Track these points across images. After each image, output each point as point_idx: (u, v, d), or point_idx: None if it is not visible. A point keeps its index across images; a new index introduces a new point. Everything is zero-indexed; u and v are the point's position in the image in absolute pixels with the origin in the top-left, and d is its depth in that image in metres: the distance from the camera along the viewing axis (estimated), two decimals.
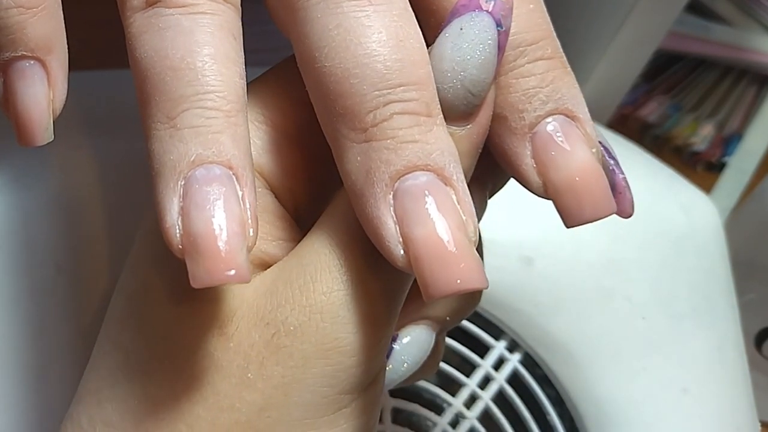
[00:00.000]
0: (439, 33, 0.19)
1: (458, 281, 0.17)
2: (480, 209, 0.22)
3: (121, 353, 0.20)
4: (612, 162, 0.20)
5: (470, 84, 0.19)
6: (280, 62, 0.22)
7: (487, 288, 0.17)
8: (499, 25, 0.19)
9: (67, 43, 0.20)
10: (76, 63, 0.20)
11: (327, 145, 0.20)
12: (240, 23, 0.19)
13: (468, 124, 0.19)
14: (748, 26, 0.64)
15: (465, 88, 0.19)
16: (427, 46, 0.19)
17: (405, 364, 0.24)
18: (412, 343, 0.24)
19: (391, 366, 0.23)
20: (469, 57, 0.19)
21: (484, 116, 0.19)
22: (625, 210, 0.21)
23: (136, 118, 0.19)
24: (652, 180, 0.39)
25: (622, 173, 0.21)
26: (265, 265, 0.20)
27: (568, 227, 0.20)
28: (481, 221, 0.21)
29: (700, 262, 0.37)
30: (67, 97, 0.20)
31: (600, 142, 0.20)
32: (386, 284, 0.19)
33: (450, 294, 0.17)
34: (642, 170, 0.39)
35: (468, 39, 0.19)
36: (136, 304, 0.20)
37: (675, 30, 0.60)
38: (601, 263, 0.34)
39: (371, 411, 0.20)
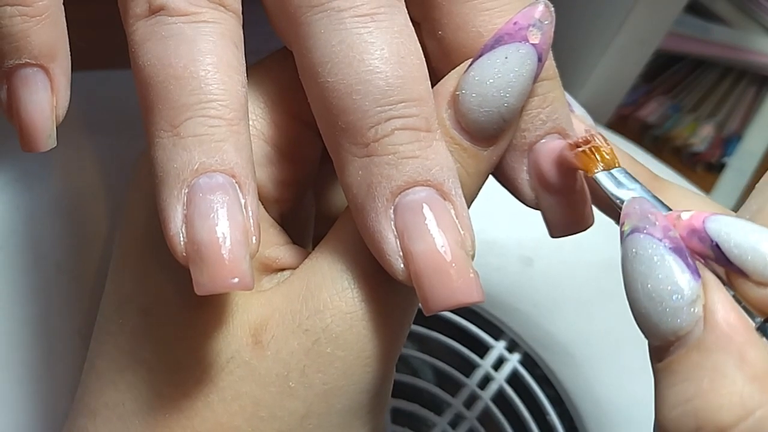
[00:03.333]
0: (480, 57, 0.19)
1: (456, 296, 0.17)
2: None
3: (142, 367, 0.19)
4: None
5: (506, 111, 0.19)
6: (265, 75, 0.21)
7: (483, 302, 0.18)
8: (539, 58, 0.19)
9: (69, 45, 0.20)
10: (78, 63, 0.20)
11: (312, 157, 0.20)
12: (241, 31, 0.19)
13: (491, 146, 0.20)
14: (748, 27, 0.64)
15: (500, 115, 0.19)
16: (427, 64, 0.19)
17: None
18: None
19: None
20: (509, 88, 0.19)
21: (506, 140, 0.20)
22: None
23: (138, 118, 0.19)
24: None
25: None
26: (269, 269, 0.20)
27: (552, 237, 0.21)
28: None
29: None
30: (69, 101, 0.20)
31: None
32: (405, 297, 0.20)
33: (448, 308, 0.18)
34: None
35: (512, 69, 0.19)
36: (154, 317, 0.19)
37: (675, 30, 0.60)
38: (601, 263, 0.34)
39: (385, 410, 0.21)
